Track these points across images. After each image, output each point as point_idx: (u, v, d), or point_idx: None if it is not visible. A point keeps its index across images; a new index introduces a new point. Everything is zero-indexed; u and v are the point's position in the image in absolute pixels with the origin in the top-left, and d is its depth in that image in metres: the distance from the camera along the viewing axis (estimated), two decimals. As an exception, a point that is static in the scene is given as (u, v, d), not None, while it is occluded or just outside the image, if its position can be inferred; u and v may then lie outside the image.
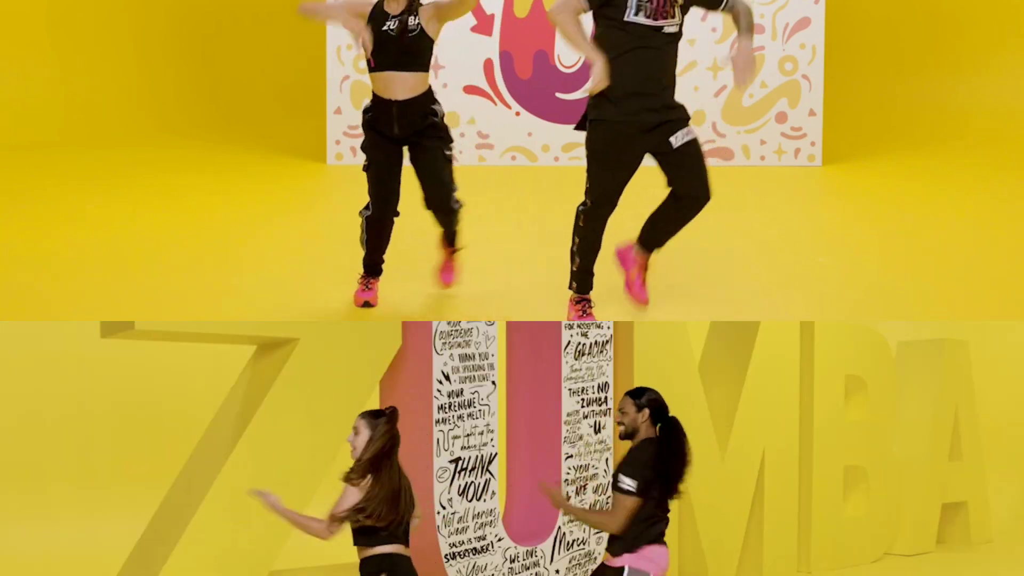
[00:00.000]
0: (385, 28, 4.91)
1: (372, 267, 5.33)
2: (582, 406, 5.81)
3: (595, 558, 5.87)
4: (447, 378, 5.13)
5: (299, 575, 5.13)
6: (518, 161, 8.95)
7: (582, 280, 4.96)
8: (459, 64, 8.66)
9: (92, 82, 10.11)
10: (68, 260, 5.95)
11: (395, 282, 5.58)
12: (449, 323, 5.18)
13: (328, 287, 5.57)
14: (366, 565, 3.85)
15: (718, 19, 8.49)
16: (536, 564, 5.58)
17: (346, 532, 3.85)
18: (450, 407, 5.14)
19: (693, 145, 4.63)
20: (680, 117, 4.64)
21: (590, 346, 5.84)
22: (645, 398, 4.23)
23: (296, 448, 4.80)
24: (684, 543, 6.48)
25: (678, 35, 4.58)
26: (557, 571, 5.69)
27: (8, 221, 6.72)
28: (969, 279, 5.65)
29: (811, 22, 8.58)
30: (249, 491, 3.92)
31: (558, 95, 8.63)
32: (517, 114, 8.61)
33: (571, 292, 4.98)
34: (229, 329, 4.80)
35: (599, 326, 5.90)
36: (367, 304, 5.30)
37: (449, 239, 5.46)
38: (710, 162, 4.74)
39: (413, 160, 5.09)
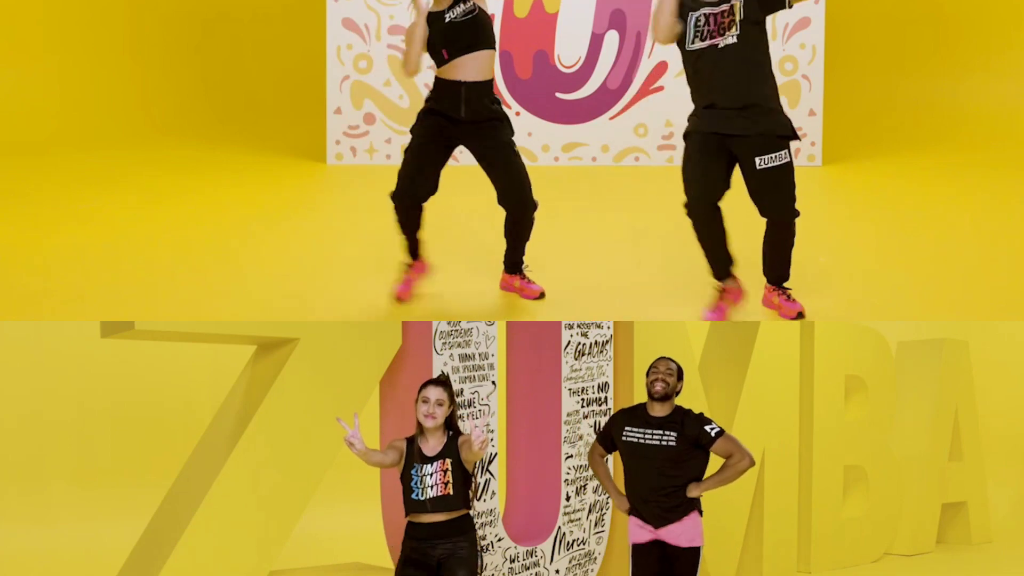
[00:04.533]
0: (449, 20, 4.94)
1: (410, 249, 5.30)
2: (582, 406, 5.81)
3: (595, 558, 5.87)
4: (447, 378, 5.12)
5: (299, 575, 5.13)
6: (518, 161, 8.96)
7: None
8: (459, 64, 8.64)
9: (91, 82, 10.10)
10: (68, 260, 5.94)
11: (394, 282, 5.57)
12: (449, 323, 5.18)
13: (328, 287, 5.56)
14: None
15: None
16: (536, 564, 5.58)
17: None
18: (450, 407, 5.13)
19: (780, 170, 4.83)
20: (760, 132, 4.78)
21: (590, 346, 5.84)
22: (679, 368, 4.49)
23: (296, 448, 4.80)
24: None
25: (738, 44, 4.67)
26: (557, 571, 5.68)
27: (8, 221, 6.72)
28: (969, 279, 5.65)
29: (811, 22, 8.56)
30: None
31: (558, 95, 8.60)
32: (517, 114, 8.57)
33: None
34: (229, 329, 4.80)
35: (599, 326, 5.90)
36: (399, 299, 5.28)
37: (513, 261, 5.35)
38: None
39: (480, 155, 5.05)
